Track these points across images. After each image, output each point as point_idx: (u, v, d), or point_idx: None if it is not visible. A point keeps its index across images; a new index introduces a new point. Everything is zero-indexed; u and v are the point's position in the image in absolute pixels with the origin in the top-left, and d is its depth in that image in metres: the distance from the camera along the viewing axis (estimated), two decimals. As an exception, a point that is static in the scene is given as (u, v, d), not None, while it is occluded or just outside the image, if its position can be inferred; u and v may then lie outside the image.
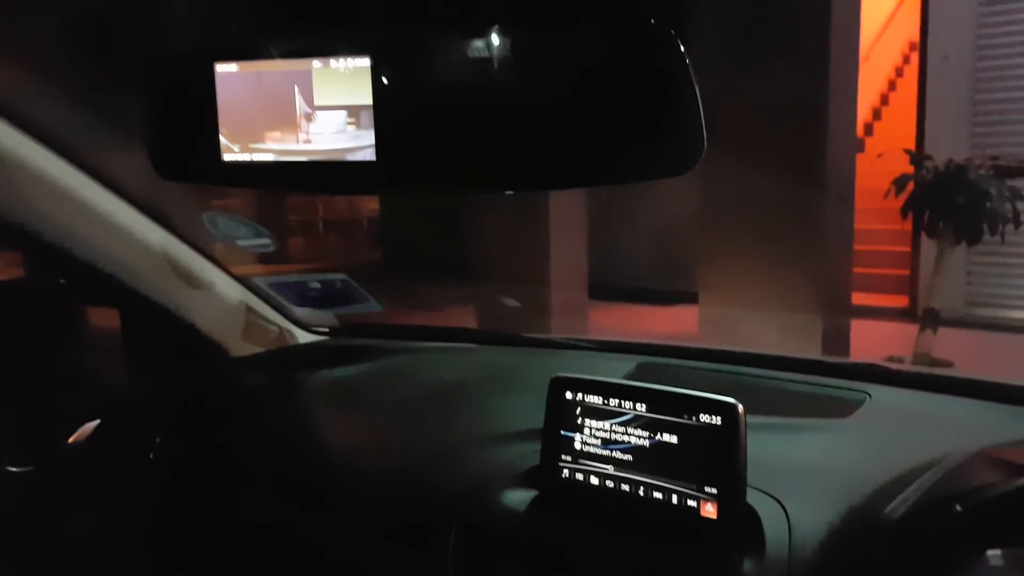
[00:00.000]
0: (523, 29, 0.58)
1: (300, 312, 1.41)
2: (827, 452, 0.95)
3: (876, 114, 8.31)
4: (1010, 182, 4.14)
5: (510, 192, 0.64)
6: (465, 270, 5.20)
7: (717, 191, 4.17)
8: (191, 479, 1.21)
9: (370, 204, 7.48)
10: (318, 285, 1.52)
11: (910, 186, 4.45)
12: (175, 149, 0.72)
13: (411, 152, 0.64)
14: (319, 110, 0.64)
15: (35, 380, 1.16)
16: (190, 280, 1.20)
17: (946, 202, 4.14)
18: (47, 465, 1.13)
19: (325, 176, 0.66)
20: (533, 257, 4.91)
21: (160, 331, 1.22)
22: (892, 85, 8.44)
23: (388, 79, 0.62)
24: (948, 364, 4.46)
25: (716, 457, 0.83)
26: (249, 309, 1.30)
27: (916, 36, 6.99)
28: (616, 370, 1.22)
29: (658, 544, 0.84)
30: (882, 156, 4.98)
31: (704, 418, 0.84)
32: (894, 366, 1.30)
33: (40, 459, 1.12)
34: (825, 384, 1.14)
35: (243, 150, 0.67)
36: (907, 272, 6.94)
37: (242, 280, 1.29)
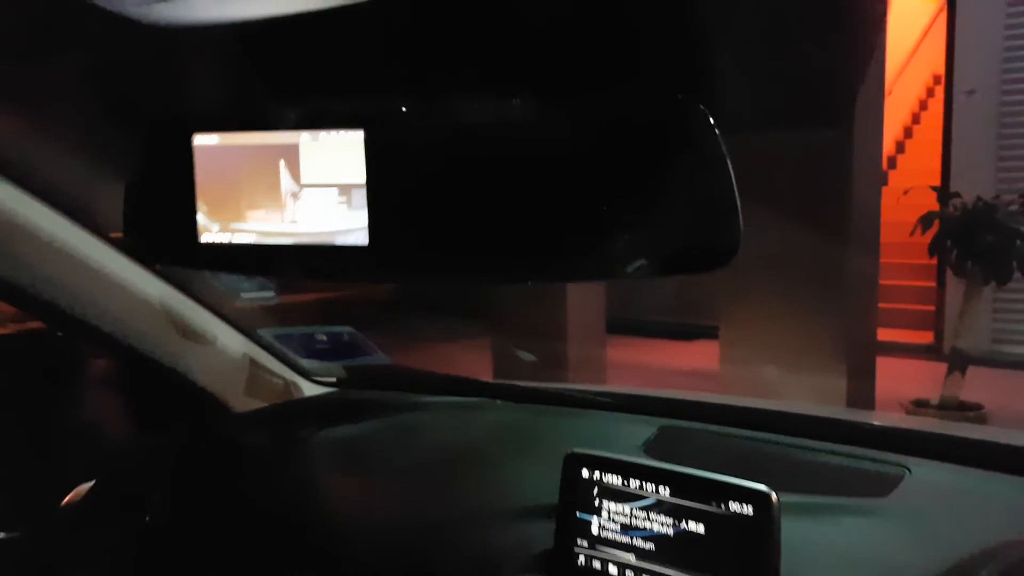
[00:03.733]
0: (537, 103, 0.52)
1: (306, 363, 1.36)
2: (866, 539, 0.88)
3: (899, 147, 8.22)
4: (1041, 220, 4.03)
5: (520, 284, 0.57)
6: (481, 308, 5.13)
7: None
8: (189, 541, 1.15)
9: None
10: (325, 337, 1.47)
11: (936, 223, 4.35)
12: (150, 228, 0.65)
13: (408, 237, 0.57)
14: (307, 188, 0.58)
15: (30, 438, 1.11)
16: (191, 334, 1.15)
17: (975, 241, 4.03)
18: (39, 530, 1.08)
19: (312, 261, 0.60)
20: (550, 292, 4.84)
21: (160, 387, 1.17)
22: (916, 118, 8.36)
23: (383, 155, 0.55)
24: (978, 407, 4.33)
25: (747, 551, 0.76)
26: (253, 362, 1.25)
27: (940, 69, 6.93)
28: (636, 435, 1.15)
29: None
30: (908, 193, 4.89)
31: (734, 507, 0.77)
32: (932, 429, 1.22)
33: (31, 524, 1.07)
34: (861, 455, 1.06)
35: (223, 230, 0.61)
36: (932, 308, 6.80)
37: (246, 332, 1.24)
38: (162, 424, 1.20)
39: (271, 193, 0.58)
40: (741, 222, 0.47)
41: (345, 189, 0.57)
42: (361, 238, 0.57)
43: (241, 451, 1.20)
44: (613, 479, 0.84)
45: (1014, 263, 4.01)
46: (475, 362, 4.95)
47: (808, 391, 3.98)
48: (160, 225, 0.65)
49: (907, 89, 8.20)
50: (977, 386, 4.47)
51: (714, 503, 0.78)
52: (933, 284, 6.77)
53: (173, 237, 0.63)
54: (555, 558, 0.86)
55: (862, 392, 4.21)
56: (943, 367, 4.64)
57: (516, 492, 1.00)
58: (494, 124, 0.53)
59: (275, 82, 0.59)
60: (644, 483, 0.82)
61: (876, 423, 1.25)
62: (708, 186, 0.48)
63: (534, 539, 0.90)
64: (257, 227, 0.60)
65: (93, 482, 1.16)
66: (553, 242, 0.53)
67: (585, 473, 0.86)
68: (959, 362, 4.28)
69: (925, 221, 4.31)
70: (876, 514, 0.94)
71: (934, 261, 6.48)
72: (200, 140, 0.60)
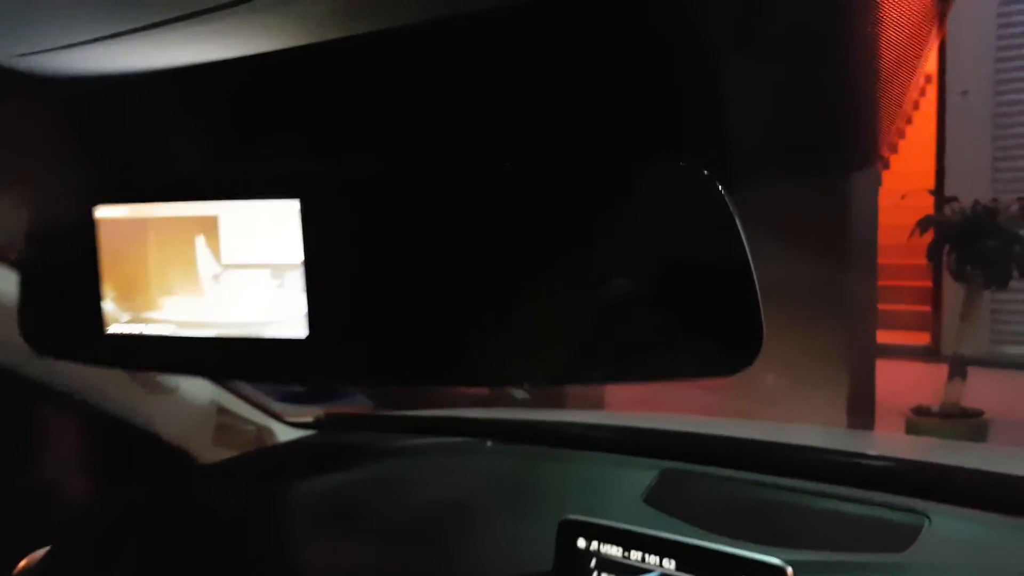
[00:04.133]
0: (517, 173, 0.42)
1: (280, 407, 1.27)
2: None
3: (892, 147, 8.19)
4: (1040, 223, 3.97)
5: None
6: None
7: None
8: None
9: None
10: (299, 381, 1.37)
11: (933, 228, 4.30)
12: (47, 318, 0.55)
13: (356, 328, 0.47)
14: (231, 269, 0.48)
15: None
16: (150, 383, 1.06)
17: (975, 246, 3.97)
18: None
19: (240, 357, 0.49)
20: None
21: (120, 443, 1.08)
22: (908, 119, 8.32)
23: (324, 229, 0.45)
24: (979, 413, 4.27)
25: (762, 634, 0.68)
26: (221, 408, 1.16)
27: (932, 69, 6.88)
28: (637, 482, 1.06)
29: None
30: (905, 198, 4.83)
31: (746, 584, 0.69)
32: (950, 465, 1.14)
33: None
34: (877, 502, 0.98)
35: (134, 320, 0.50)
36: (928, 308, 6.75)
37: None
38: (124, 483, 1.11)
39: (188, 276, 0.48)
40: (763, 321, 0.39)
41: (278, 270, 0.46)
42: (298, 329, 0.47)
43: (209, 511, 1.11)
44: (612, 550, 0.76)
45: (1013, 267, 3.95)
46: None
47: (809, 400, 3.90)
48: (60, 314, 0.55)
49: (898, 89, 8.17)
50: (977, 390, 4.40)
51: (724, 579, 0.70)
52: (929, 284, 6.73)
53: (75, 328, 0.53)
54: (551, 643, 0.77)
55: (863, 400, 4.14)
56: (941, 368, 4.58)
57: (509, 557, 0.92)
58: (460, 192, 0.44)
59: (191, 143, 0.50)
60: (646, 555, 0.74)
61: (889, 458, 1.17)
62: (721, 277, 0.39)
63: None
64: (174, 316, 0.49)
65: (48, 548, 1.07)
66: (537, 340, 0.43)
67: (581, 543, 0.77)
68: (960, 368, 4.22)
69: (924, 225, 4.25)
70: (896, 571, 0.86)
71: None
72: (103, 213, 0.50)
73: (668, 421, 1.51)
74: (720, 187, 0.37)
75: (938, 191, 5.37)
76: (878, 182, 5.43)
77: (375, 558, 0.99)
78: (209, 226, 0.47)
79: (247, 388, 1.22)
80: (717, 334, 0.41)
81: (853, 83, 0.42)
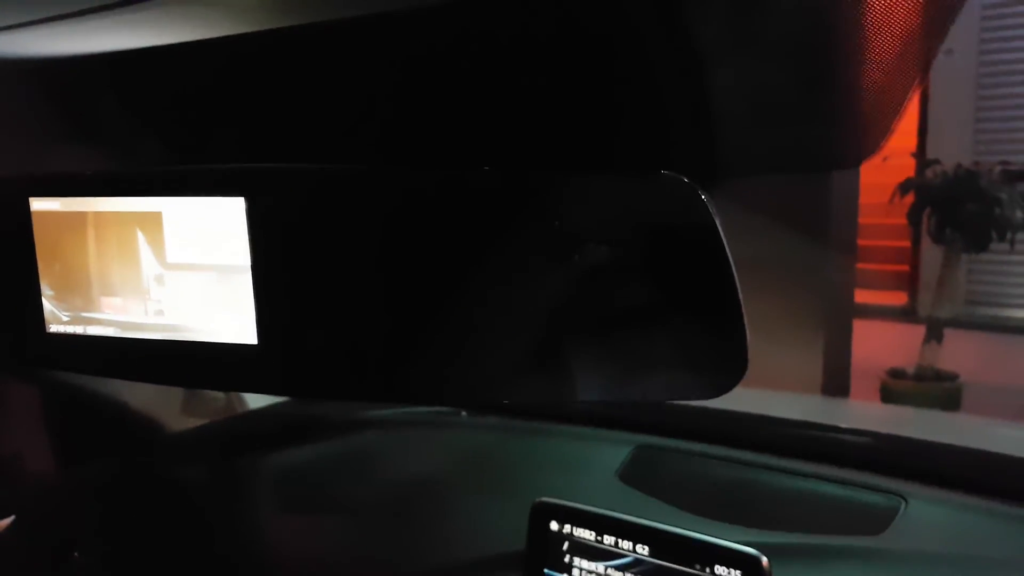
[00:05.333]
0: (487, 177, 0.37)
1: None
2: None
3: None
4: (1020, 186, 3.97)
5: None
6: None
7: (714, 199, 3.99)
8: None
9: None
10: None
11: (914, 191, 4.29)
12: None
13: (306, 338, 0.43)
14: (176, 270, 0.44)
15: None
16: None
17: (956, 209, 3.97)
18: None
19: (186, 363, 0.46)
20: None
21: (85, 412, 1.05)
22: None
23: (272, 229, 0.41)
24: (954, 377, 4.33)
25: (736, 623, 0.67)
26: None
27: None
28: (611, 458, 1.06)
29: None
30: (887, 160, 4.81)
31: (720, 571, 0.68)
32: (926, 443, 1.14)
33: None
34: (853, 482, 0.98)
35: (74, 321, 0.47)
36: (906, 268, 6.80)
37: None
38: (89, 452, 1.08)
39: (130, 275, 0.44)
40: (748, 336, 0.36)
41: (226, 273, 0.43)
42: (248, 335, 0.43)
43: (176, 481, 1.08)
44: (585, 533, 0.75)
45: (993, 231, 3.96)
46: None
47: (785, 361, 3.93)
48: None
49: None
50: (952, 352, 4.45)
51: (698, 566, 0.69)
52: (907, 244, 6.76)
53: (14, 327, 0.49)
54: (521, 627, 0.76)
55: (838, 363, 4.18)
56: (917, 330, 4.63)
57: (481, 536, 0.91)
58: (421, 195, 0.40)
59: (129, 133, 0.45)
60: (620, 540, 0.73)
61: (865, 433, 1.17)
62: (705, 295, 0.36)
63: None
64: (115, 318, 0.46)
65: (12, 518, 1.04)
66: (506, 354, 0.39)
67: (554, 526, 0.76)
68: (936, 332, 4.26)
69: (905, 187, 4.24)
70: (871, 557, 0.86)
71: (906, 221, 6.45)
72: (39, 205, 0.46)
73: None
74: (704, 197, 0.34)
75: (920, 153, 5.35)
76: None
77: (342, 537, 0.98)
78: (152, 223, 0.43)
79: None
80: (700, 355, 0.38)
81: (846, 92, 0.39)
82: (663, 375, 0.39)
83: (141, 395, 1.08)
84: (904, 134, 6.24)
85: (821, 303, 4.10)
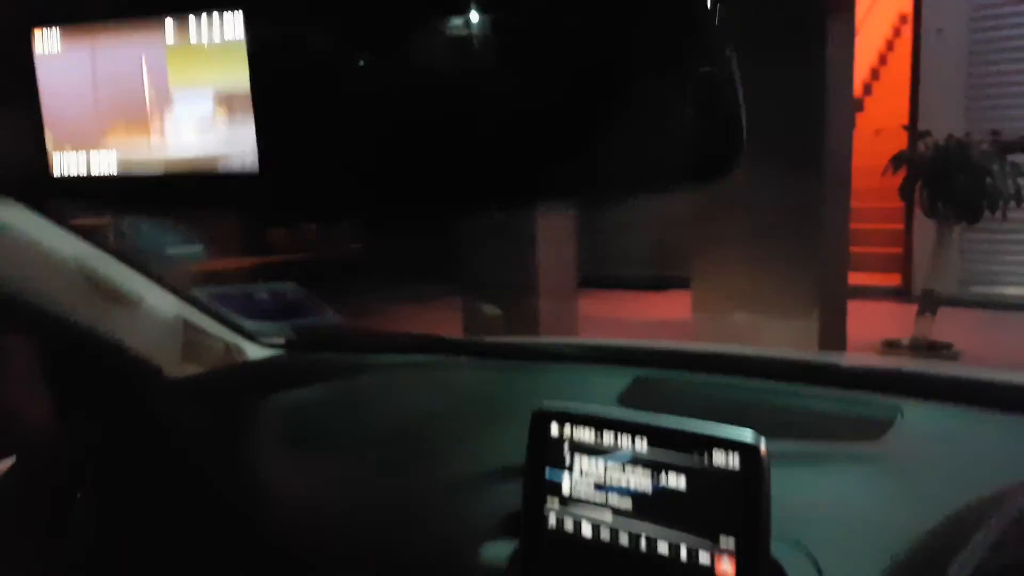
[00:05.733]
0: None
1: (249, 324, 1.24)
2: (860, 489, 0.80)
3: (867, 89, 8.17)
4: (1010, 157, 3.99)
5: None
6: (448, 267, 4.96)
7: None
8: (123, 525, 1.05)
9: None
10: (266, 296, 1.34)
11: (906, 166, 4.31)
12: None
13: (307, 163, 0.43)
14: (178, 96, 0.43)
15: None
16: (115, 295, 1.03)
17: (947, 181, 3.99)
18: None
19: (189, 195, 0.46)
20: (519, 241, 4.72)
21: (84, 356, 1.05)
22: (883, 59, 8.30)
23: (273, 50, 0.41)
24: (948, 346, 4.35)
25: (734, 506, 0.68)
26: (188, 324, 1.13)
27: (907, 9, 6.84)
28: (610, 387, 1.06)
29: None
30: (880, 133, 4.84)
31: (719, 459, 0.69)
32: (923, 370, 1.15)
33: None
34: (850, 399, 0.99)
35: (78, 159, 0.47)
36: (900, 250, 6.83)
37: (177, 292, 1.12)
38: (89, 396, 1.09)
39: (132, 106, 0.44)
40: (744, 120, 0.36)
41: (227, 99, 0.42)
42: (249, 163, 0.43)
43: (178, 424, 1.09)
44: (585, 434, 0.75)
45: (984, 202, 3.98)
46: (444, 322, 4.84)
47: (781, 335, 3.95)
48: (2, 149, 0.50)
49: (874, 30, 8.12)
50: (946, 327, 4.48)
51: (696, 455, 0.70)
52: (901, 227, 6.79)
53: (17, 170, 0.49)
54: (524, 521, 0.77)
55: (834, 336, 4.20)
56: (911, 309, 4.65)
57: (483, 457, 0.92)
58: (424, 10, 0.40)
59: None
60: (619, 436, 0.74)
61: (861, 364, 1.18)
62: (703, 69, 0.36)
63: (504, 504, 0.81)
64: (119, 154, 0.46)
65: (13, 459, 1.05)
66: (513, 154, 0.39)
67: (555, 430, 0.77)
68: (930, 303, 4.28)
69: (896, 161, 4.26)
70: (869, 461, 0.86)
71: (902, 204, 6.49)
72: (40, 38, 0.45)
73: (642, 343, 1.51)
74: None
75: (912, 127, 5.37)
76: (852, 123, 5.43)
77: (346, 468, 0.98)
78: (154, 46, 0.43)
79: (215, 304, 1.20)
80: (697, 135, 0.38)
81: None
82: (663, 160, 0.39)
83: (140, 339, 1.08)
84: (895, 114, 6.28)
85: (816, 281, 4.12)
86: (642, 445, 0.72)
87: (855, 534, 0.72)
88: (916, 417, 0.92)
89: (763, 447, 0.67)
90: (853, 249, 5.19)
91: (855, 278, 5.49)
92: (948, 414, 0.93)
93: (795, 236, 4.02)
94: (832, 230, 4.26)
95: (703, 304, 4.46)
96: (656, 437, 0.72)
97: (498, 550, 0.77)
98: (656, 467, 0.71)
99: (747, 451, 0.67)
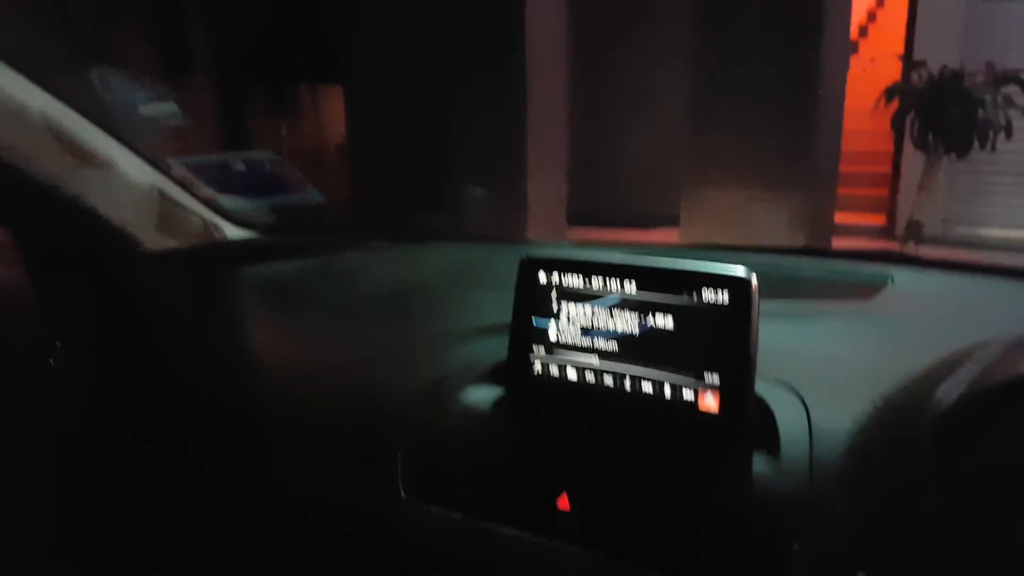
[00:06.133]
0: None
1: (227, 202, 1.20)
2: (849, 339, 0.80)
3: (862, 31, 8.06)
4: (1004, 89, 3.96)
5: None
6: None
7: (704, 107, 3.96)
8: (100, 395, 1.03)
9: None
10: (244, 167, 1.29)
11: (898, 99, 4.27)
12: None
13: None
14: None
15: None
16: (84, 156, 0.99)
17: (939, 113, 3.96)
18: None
19: None
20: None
21: (54, 220, 1.01)
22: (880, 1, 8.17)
23: None
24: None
25: (720, 340, 0.67)
26: (163, 195, 1.09)
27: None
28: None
29: (644, 448, 0.69)
30: (875, 60, 4.78)
31: (708, 296, 0.67)
32: (916, 252, 1.16)
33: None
34: (844, 268, 0.99)
35: None
36: (885, 192, 6.85)
37: (150, 159, 1.07)
38: (61, 263, 1.05)
39: None
40: None
41: None
42: None
43: (154, 292, 1.06)
44: (574, 280, 0.74)
45: (974, 135, 3.96)
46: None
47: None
48: None
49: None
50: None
51: (685, 294, 0.68)
52: (888, 170, 6.80)
53: None
54: (509, 368, 0.76)
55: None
56: (895, 247, 4.68)
57: (468, 318, 0.90)
58: None
59: None
60: (608, 279, 0.72)
61: (856, 248, 1.18)
62: None
63: (488, 354, 0.80)
64: None
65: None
66: None
67: (543, 277, 0.75)
68: (914, 232, 4.30)
69: (890, 93, 4.22)
70: (859, 317, 0.87)
71: (890, 148, 6.48)
72: None
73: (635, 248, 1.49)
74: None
75: (907, 56, 5.31)
76: (847, 63, 5.36)
77: (328, 331, 0.97)
78: None
79: (191, 178, 1.16)
80: None
81: None
82: None
83: (112, 205, 1.04)
84: (900, 42, 6.20)
85: (802, 216, 4.12)
86: (631, 287, 0.71)
87: (843, 377, 0.72)
88: (906, 281, 0.93)
89: (754, 281, 0.66)
90: (840, 190, 5.19)
91: (841, 217, 5.50)
92: (937, 279, 0.93)
93: (784, 173, 4.00)
94: (821, 166, 4.25)
95: (690, 239, 4.46)
96: (646, 279, 0.70)
97: (482, 394, 0.76)
98: (644, 309, 0.70)
99: (737, 284, 0.66)
